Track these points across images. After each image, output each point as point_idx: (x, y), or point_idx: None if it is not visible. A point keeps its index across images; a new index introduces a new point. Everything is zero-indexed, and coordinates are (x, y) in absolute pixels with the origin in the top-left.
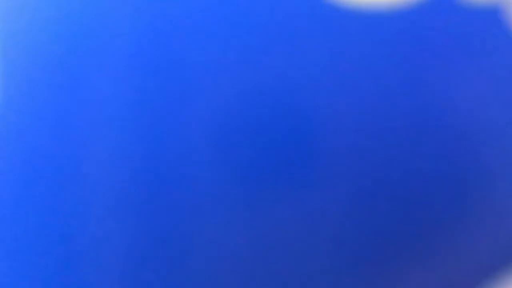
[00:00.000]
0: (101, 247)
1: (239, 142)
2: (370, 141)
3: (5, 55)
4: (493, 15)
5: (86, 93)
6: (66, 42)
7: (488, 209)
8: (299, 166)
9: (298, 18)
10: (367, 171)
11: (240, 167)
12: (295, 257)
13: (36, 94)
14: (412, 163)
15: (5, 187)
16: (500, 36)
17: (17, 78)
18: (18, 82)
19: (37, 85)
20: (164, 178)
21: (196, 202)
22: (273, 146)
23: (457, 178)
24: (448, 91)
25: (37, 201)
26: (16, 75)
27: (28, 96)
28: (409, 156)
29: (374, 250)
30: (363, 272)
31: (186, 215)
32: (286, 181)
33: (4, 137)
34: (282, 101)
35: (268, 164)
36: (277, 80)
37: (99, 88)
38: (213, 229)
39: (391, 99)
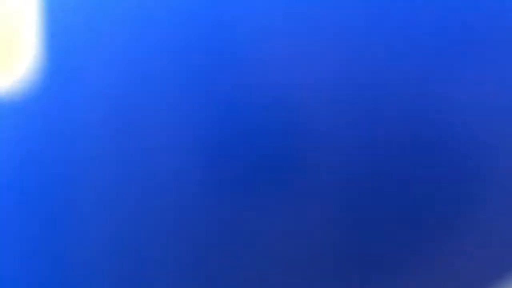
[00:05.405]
0: (96, 247)
1: (232, 145)
2: (369, 142)
3: None
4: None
5: (82, 92)
6: (61, 42)
7: (489, 211)
8: (295, 168)
9: (295, 17)
10: (367, 171)
11: (235, 170)
12: (294, 260)
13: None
14: (412, 164)
15: (3, 187)
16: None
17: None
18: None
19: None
20: (156, 180)
21: (190, 206)
22: (268, 150)
23: (456, 178)
24: (448, 92)
25: (34, 201)
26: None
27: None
28: (408, 156)
29: (374, 252)
30: (364, 274)
31: (180, 217)
32: (284, 182)
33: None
34: (277, 103)
35: (264, 166)
36: (272, 81)
37: (93, 86)
38: (207, 232)
39: (389, 101)
